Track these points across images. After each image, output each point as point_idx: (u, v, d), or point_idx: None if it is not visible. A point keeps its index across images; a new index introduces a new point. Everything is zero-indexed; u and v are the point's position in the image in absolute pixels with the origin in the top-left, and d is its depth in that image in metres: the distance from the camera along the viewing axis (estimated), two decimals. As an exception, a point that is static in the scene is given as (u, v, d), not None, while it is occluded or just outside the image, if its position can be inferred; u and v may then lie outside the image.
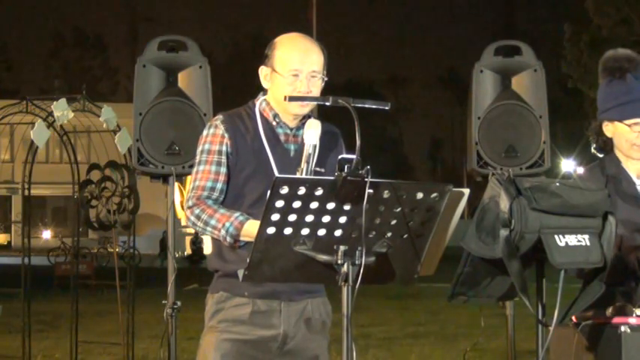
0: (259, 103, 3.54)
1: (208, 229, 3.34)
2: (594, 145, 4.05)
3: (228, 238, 3.30)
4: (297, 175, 3.31)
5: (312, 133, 3.35)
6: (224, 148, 3.44)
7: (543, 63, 5.71)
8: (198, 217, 3.36)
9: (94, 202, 7.94)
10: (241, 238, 3.30)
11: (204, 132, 3.50)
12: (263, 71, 3.52)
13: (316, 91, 3.45)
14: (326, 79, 3.49)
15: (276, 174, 3.33)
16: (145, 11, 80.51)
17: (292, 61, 3.42)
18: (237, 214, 3.32)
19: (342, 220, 2.87)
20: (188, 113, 5.49)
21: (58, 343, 10.10)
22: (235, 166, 3.44)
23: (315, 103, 3.32)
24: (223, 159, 3.44)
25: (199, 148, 3.48)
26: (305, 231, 2.87)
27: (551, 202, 3.29)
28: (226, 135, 3.44)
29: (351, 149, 3.28)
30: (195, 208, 3.38)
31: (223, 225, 3.31)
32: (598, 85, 4.00)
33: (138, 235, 10.93)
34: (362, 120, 2.96)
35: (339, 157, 3.26)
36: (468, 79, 5.87)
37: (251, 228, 3.24)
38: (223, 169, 3.43)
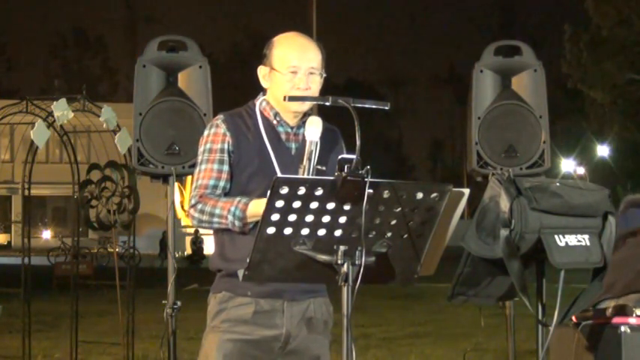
0: (259, 102, 3.54)
1: (215, 219, 3.34)
2: None
3: (237, 222, 3.30)
4: (300, 173, 3.31)
5: (314, 130, 3.34)
6: (226, 147, 3.45)
7: (543, 63, 5.71)
8: (202, 212, 3.36)
9: (94, 202, 7.94)
10: (249, 220, 3.30)
11: (206, 132, 3.50)
12: (262, 71, 3.53)
13: (315, 88, 3.46)
14: (325, 75, 3.50)
15: (278, 173, 3.33)
16: (145, 11, 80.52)
17: (290, 58, 3.44)
18: (239, 198, 3.33)
19: (342, 220, 2.87)
20: (188, 113, 5.49)
21: (58, 343, 10.09)
22: (237, 165, 3.44)
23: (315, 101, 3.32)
24: (226, 157, 3.44)
25: (201, 148, 3.48)
26: (305, 231, 2.87)
27: (551, 202, 3.29)
28: (228, 134, 3.45)
29: (351, 149, 3.28)
30: (197, 204, 3.38)
31: (229, 210, 3.30)
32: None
33: (138, 235, 10.93)
34: (362, 120, 2.96)
35: (339, 157, 3.26)
36: (468, 79, 5.86)
37: (256, 208, 3.25)
38: (226, 168, 3.44)
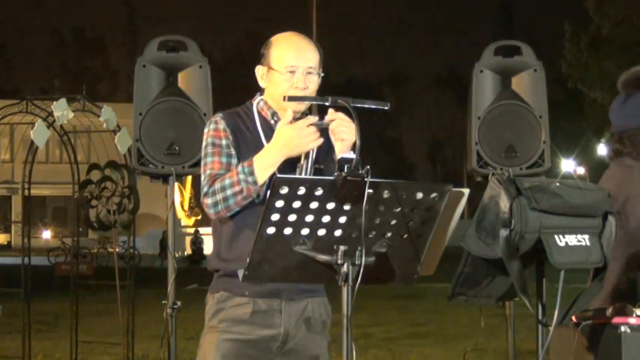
0: (257, 102, 3.54)
1: (228, 192, 3.30)
2: (625, 151, 3.98)
3: (250, 178, 3.27)
4: (297, 172, 3.31)
5: None
6: (229, 142, 3.44)
7: (543, 63, 5.71)
8: (214, 193, 3.32)
9: (94, 202, 7.95)
10: (259, 175, 3.27)
11: (206, 129, 3.50)
12: (260, 70, 3.53)
13: (313, 87, 3.46)
14: (322, 75, 3.50)
15: (276, 172, 3.33)
16: (145, 11, 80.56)
17: (288, 58, 3.44)
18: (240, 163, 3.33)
19: (342, 220, 2.87)
20: (188, 113, 5.49)
21: (58, 343, 10.10)
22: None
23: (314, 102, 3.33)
24: (232, 151, 3.43)
25: (204, 144, 3.47)
26: (305, 231, 2.87)
27: (551, 202, 3.29)
28: (227, 130, 3.45)
29: (350, 149, 3.28)
30: (209, 189, 3.34)
31: (237, 173, 3.29)
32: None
33: (138, 235, 10.93)
34: (362, 120, 2.96)
35: (339, 157, 3.26)
36: (468, 79, 5.87)
37: (261, 158, 3.27)
38: (234, 161, 3.42)
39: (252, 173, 3.28)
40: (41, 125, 7.19)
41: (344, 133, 3.27)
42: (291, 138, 3.26)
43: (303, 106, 3.47)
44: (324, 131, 3.36)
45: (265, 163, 3.27)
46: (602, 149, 40.08)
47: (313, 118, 3.29)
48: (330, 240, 2.90)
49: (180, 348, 6.66)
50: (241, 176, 3.28)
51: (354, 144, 3.19)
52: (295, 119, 3.34)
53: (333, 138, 3.31)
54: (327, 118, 3.28)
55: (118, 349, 8.21)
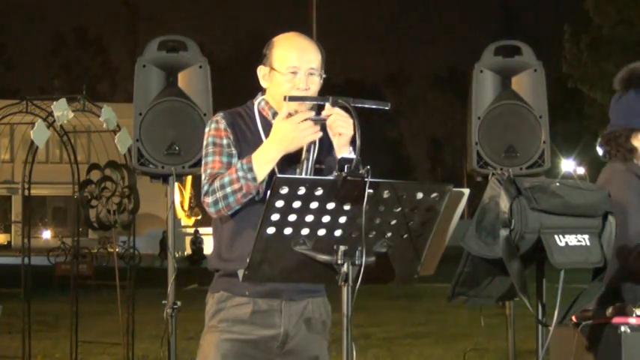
0: (258, 102, 3.54)
1: (228, 189, 3.30)
2: (612, 152, 4.00)
3: (249, 175, 3.27)
4: (298, 172, 3.31)
5: None
6: (229, 142, 3.44)
7: (543, 63, 5.71)
8: (214, 191, 3.32)
9: (94, 202, 7.95)
10: (258, 171, 3.26)
11: (207, 128, 3.50)
12: (261, 71, 3.53)
13: (315, 89, 3.46)
14: (324, 76, 3.50)
15: (276, 172, 3.33)
16: (145, 11, 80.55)
17: (290, 59, 3.44)
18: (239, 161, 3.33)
19: (342, 220, 2.87)
20: (188, 113, 5.49)
21: (58, 343, 10.10)
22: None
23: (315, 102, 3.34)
24: (233, 151, 3.43)
25: (205, 143, 3.47)
26: (305, 231, 2.87)
27: (551, 202, 3.29)
28: (228, 130, 3.45)
29: (350, 147, 3.28)
30: (209, 188, 3.34)
31: (236, 170, 3.29)
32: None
33: (138, 235, 10.93)
34: (362, 120, 2.96)
35: (340, 157, 3.26)
36: (468, 79, 5.87)
37: (260, 154, 3.27)
38: (234, 160, 3.42)
39: (251, 170, 3.28)
40: (41, 125, 7.20)
41: (341, 127, 3.27)
42: (288, 132, 3.26)
43: (304, 106, 3.47)
44: (324, 129, 3.36)
45: (264, 159, 3.27)
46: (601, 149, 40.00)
47: (310, 113, 3.30)
48: (330, 240, 2.90)
49: (181, 348, 6.66)
50: (240, 173, 3.29)
51: (354, 142, 3.19)
52: (291, 115, 3.35)
53: (330, 133, 3.31)
54: (324, 113, 3.28)
55: (118, 349, 8.21)
